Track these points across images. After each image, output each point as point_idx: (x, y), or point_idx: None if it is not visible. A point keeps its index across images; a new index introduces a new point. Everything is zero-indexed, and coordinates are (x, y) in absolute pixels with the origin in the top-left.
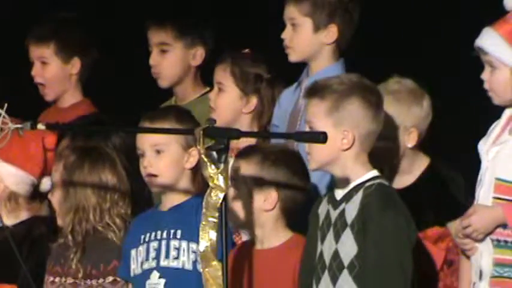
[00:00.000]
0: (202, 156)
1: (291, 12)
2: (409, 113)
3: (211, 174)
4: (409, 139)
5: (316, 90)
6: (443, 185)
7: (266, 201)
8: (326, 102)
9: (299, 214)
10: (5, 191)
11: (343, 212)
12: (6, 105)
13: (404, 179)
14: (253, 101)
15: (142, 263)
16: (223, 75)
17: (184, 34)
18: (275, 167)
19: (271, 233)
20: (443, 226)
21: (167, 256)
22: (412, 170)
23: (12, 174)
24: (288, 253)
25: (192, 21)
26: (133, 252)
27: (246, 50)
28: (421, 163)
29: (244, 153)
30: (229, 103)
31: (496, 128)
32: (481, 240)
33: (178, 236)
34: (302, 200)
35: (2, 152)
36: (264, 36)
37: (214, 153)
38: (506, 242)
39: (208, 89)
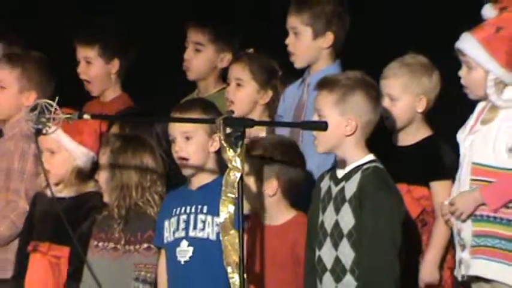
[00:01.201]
0: (222, 141)
1: (293, 22)
2: (420, 82)
3: (230, 157)
4: (418, 105)
5: (325, 84)
6: (436, 153)
7: (268, 189)
8: (334, 94)
9: (300, 194)
10: (74, 168)
11: (343, 188)
12: (57, 98)
13: (407, 139)
14: (269, 93)
15: (174, 233)
16: (241, 72)
17: (218, 40)
18: (274, 158)
19: (275, 213)
20: (427, 185)
21: (195, 228)
22: (416, 134)
23: (84, 153)
24: (289, 230)
25: (226, 30)
26: (166, 223)
27: (250, 50)
28: (425, 132)
29: (247, 148)
30: (247, 96)
31: (471, 119)
32: (464, 220)
33: (205, 211)
34: (300, 182)
35: (76, 136)
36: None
37: (233, 139)
38: (482, 216)
39: (224, 85)
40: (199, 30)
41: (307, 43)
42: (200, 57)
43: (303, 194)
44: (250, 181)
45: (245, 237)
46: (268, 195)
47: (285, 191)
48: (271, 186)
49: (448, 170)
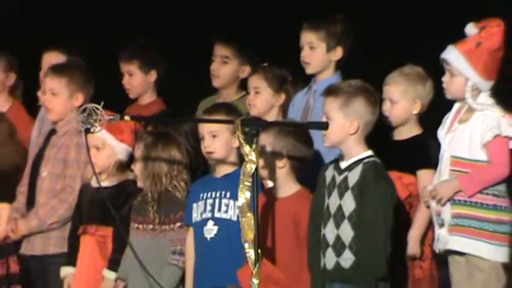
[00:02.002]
0: (240, 139)
1: (309, 37)
2: (416, 89)
3: (247, 152)
4: (414, 108)
5: (331, 91)
6: (424, 148)
7: (279, 161)
8: (339, 99)
9: (306, 172)
10: (116, 162)
11: (346, 178)
12: (102, 102)
13: (402, 135)
14: (282, 96)
15: (201, 214)
16: (258, 81)
17: (241, 54)
18: (285, 136)
19: (283, 184)
20: (415, 173)
21: (219, 210)
22: (409, 131)
23: (124, 149)
24: (293, 201)
25: (247, 46)
26: (194, 205)
27: (265, 63)
28: (416, 130)
29: (264, 128)
30: (265, 101)
31: (449, 118)
32: (443, 204)
33: (228, 196)
34: (307, 160)
35: (118, 134)
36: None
37: (249, 136)
38: (459, 200)
39: (244, 92)
40: (226, 46)
41: (321, 56)
42: (227, 69)
43: (309, 173)
44: (266, 154)
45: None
46: (278, 166)
47: (292, 165)
48: (282, 159)
49: (432, 161)
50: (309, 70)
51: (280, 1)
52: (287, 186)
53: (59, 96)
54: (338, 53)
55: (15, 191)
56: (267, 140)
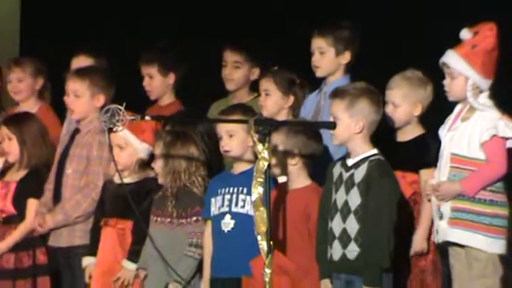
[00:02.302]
0: (254, 138)
1: (320, 43)
2: (417, 93)
3: (260, 150)
4: (415, 110)
5: (337, 93)
6: (425, 148)
7: (291, 158)
8: (345, 101)
9: (317, 167)
10: (138, 160)
11: (352, 175)
12: (124, 103)
13: (404, 136)
14: (291, 98)
15: (219, 208)
16: (268, 84)
17: (252, 58)
18: (296, 135)
19: (295, 179)
20: (417, 172)
21: (236, 205)
22: (411, 132)
23: (145, 148)
24: (304, 194)
25: (256, 51)
26: (213, 200)
27: (275, 67)
28: (418, 130)
29: (275, 127)
30: (274, 102)
31: (450, 118)
32: (445, 201)
33: (245, 192)
34: (318, 156)
35: (139, 133)
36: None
37: (261, 135)
38: (459, 195)
39: (255, 94)
40: (236, 52)
41: (331, 60)
42: (239, 73)
43: (319, 170)
44: (279, 152)
45: (272, 198)
46: (291, 164)
47: (304, 162)
48: (294, 156)
49: (434, 160)
50: (319, 73)
51: (292, 7)
52: (299, 180)
53: (81, 98)
54: (346, 57)
55: (44, 187)
56: (278, 139)
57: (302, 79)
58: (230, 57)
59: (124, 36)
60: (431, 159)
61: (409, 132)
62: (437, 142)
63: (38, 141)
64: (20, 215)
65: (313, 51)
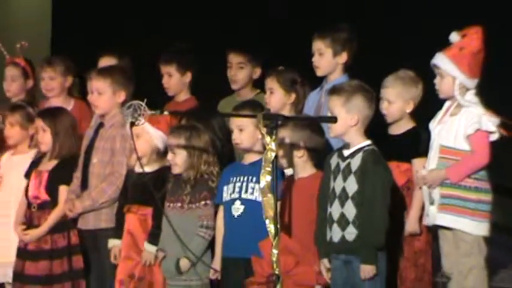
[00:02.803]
0: (262, 131)
1: (319, 45)
2: (409, 91)
3: (267, 142)
4: (407, 107)
5: (334, 91)
6: (417, 139)
7: (298, 151)
8: (341, 97)
9: (322, 157)
10: (153, 148)
11: (349, 164)
12: (145, 100)
13: (398, 130)
14: (293, 96)
15: (230, 194)
16: (272, 83)
17: (253, 59)
18: (301, 129)
19: (302, 169)
20: (410, 161)
21: (246, 192)
22: (404, 126)
23: (160, 136)
24: (310, 182)
25: (257, 52)
26: (225, 187)
27: (281, 67)
28: (410, 124)
29: (282, 123)
30: (278, 99)
31: (439, 114)
32: (433, 188)
33: (254, 181)
34: (321, 148)
35: (154, 123)
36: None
37: (269, 129)
38: (447, 183)
39: (258, 91)
40: (240, 54)
41: (329, 60)
42: (242, 73)
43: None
44: (286, 145)
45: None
46: (297, 156)
47: (309, 154)
48: (300, 149)
49: (424, 151)
50: (319, 73)
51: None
52: (305, 170)
53: (104, 95)
54: (343, 57)
55: (73, 175)
56: (285, 133)
57: (303, 79)
58: (234, 59)
59: (145, 37)
60: (422, 150)
61: (401, 126)
62: (427, 134)
63: (69, 134)
64: (53, 201)
65: (314, 52)
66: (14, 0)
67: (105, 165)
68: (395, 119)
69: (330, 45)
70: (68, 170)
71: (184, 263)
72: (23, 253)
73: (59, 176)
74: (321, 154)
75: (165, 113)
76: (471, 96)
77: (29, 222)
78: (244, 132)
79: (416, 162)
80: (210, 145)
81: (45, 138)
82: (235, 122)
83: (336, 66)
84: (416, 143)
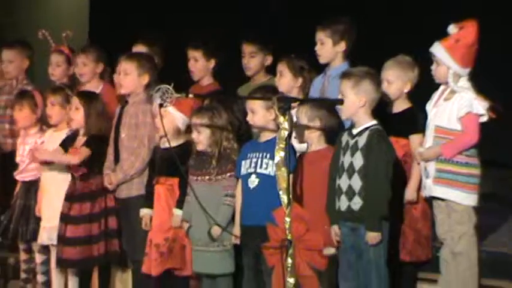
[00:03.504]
0: (276, 111)
1: (320, 35)
2: (406, 74)
3: (281, 121)
4: (405, 87)
5: (345, 75)
6: (414, 118)
7: (313, 128)
8: (351, 81)
9: (335, 136)
10: (175, 127)
11: (356, 141)
12: (172, 83)
13: (397, 108)
14: (300, 80)
15: (247, 169)
16: (283, 67)
17: (265, 48)
18: (319, 108)
19: (316, 144)
20: (407, 137)
21: (261, 167)
22: (402, 105)
23: (181, 117)
24: (322, 155)
25: (268, 42)
26: (243, 162)
27: (292, 55)
28: (407, 104)
29: (301, 103)
30: (287, 82)
31: (435, 96)
32: (429, 161)
33: (268, 157)
34: (335, 130)
35: (177, 106)
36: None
37: (283, 109)
38: (442, 159)
39: (270, 76)
40: (252, 44)
41: (329, 48)
42: (255, 61)
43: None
44: (304, 122)
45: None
46: (312, 132)
47: (324, 130)
48: (316, 125)
49: (420, 128)
50: (321, 60)
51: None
52: (319, 144)
53: (129, 75)
54: (342, 46)
55: (106, 150)
56: (303, 110)
57: (310, 66)
58: (247, 48)
59: (172, 29)
60: (418, 127)
61: (399, 106)
62: (423, 113)
63: (99, 116)
64: (93, 172)
65: (316, 42)
66: None
67: (132, 139)
68: (395, 97)
69: (330, 36)
70: (102, 147)
71: (215, 231)
72: (65, 218)
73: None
74: (335, 132)
75: (190, 95)
76: (464, 82)
77: (70, 193)
78: (256, 114)
79: (413, 138)
80: (229, 124)
81: (77, 116)
82: (248, 105)
83: (336, 54)
84: (412, 120)
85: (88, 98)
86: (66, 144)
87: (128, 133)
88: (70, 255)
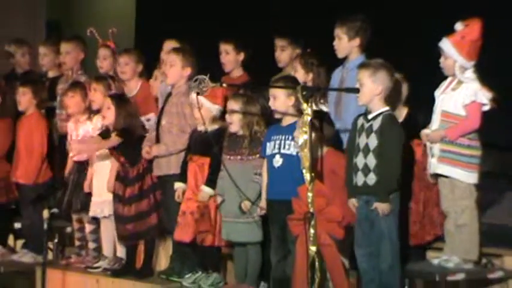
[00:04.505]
0: (300, 99)
1: (337, 32)
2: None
3: (304, 107)
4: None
5: (363, 65)
6: (411, 116)
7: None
8: (368, 71)
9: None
10: (210, 114)
11: (371, 125)
12: (208, 74)
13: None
14: (310, 75)
15: (272, 150)
16: (296, 63)
17: (294, 43)
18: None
19: None
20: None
21: (284, 148)
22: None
23: (216, 108)
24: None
25: (296, 38)
26: (268, 144)
27: (309, 50)
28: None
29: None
30: (300, 77)
31: (443, 85)
32: (435, 143)
33: (290, 139)
34: (332, 137)
35: (212, 99)
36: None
37: (306, 97)
38: (446, 140)
39: None
40: (282, 39)
41: (345, 44)
42: (285, 54)
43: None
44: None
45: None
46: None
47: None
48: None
49: (421, 124)
50: (339, 54)
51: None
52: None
53: (174, 67)
54: (357, 41)
55: (137, 140)
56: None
57: (320, 61)
58: (278, 42)
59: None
60: (418, 124)
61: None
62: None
63: (127, 117)
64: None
65: (335, 37)
66: None
67: (172, 125)
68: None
69: (346, 32)
70: (127, 141)
71: (245, 205)
72: (120, 198)
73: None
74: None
75: (224, 85)
76: (470, 73)
77: (125, 176)
78: (277, 99)
79: (422, 133)
80: (260, 110)
81: (108, 114)
82: (271, 92)
83: (351, 49)
84: (411, 122)
85: (119, 99)
86: (103, 134)
87: (168, 120)
88: (127, 231)
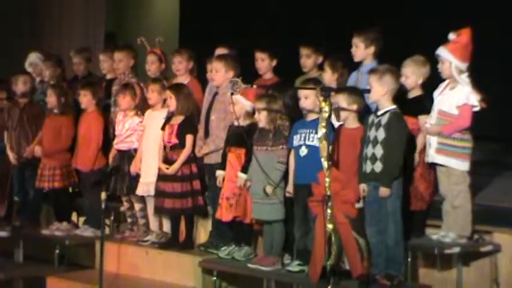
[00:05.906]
0: (319, 98)
1: (355, 40)
2: (420, 69)
3: (323, 106)
4: (419, 80)
5: (372, 71)
6: (422, 102)
7: (351, 108)
8: (376, 75)
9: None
10: (244, 111)
11: (380, 120)
12: (241, 77)
13: (411, 95)
14: (336, 75)
15: (298, 141)
16: (325, 66)
17: (316, 50)
18: (356, 95)
19: (351, 123)
20: (416, 117)
21: (309, 139)
22: (415, 93)
23: (249, 104)
24: (355, 131)
25: (319, 46)
26: (294, 136)
27: (335, 55)
28: (419, 92)
29: (339, 90)
30: (328, 77)
31: (441, 87)
32: (433, 136)
33: (314, 132)
34: (361, 111)
35: (245, 96)
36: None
37: (325, 96)
38: (441, 135)
39: (320, 72)
40: (307, 47)
41: (362, 50)
42: (309, 61)
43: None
44: (342, 105)
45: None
46: (349, 112)
47: (357, 112)
48: (352, 107)
49: (427, 110)
50: (356, 59)
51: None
52: (353, 123)
53: (219, 72)
54: (372, 49)
55: (194, 127)
56: (343, 97)
57: (344, 64)
58: (303, 51)
59: (243, 36)
60: (425, 109)
61: (414, 93)
62: (430, 100)
63: (186, 100)
64: (181, 144)
65: (353, 45)
66: (153, 8)
67: (220, 120)
68: (410, 88)
69: (363, 41)
70: (190, 123)
71: (269, 189)
72: (163, 177)
73: (185, 127)
74: (364, 113)
75: (254, 86)
76: (465, 78)
77: (165, 158)
78: (309, 99)
79: (421, 118)
80: (283, 107)
81: (172, 102)
82: (302, 93)
83: (367, 55)
84: (421, 104)
85: (176, 87)
86: (164, 124)
87: (217, 116)
88: (166, 205)
